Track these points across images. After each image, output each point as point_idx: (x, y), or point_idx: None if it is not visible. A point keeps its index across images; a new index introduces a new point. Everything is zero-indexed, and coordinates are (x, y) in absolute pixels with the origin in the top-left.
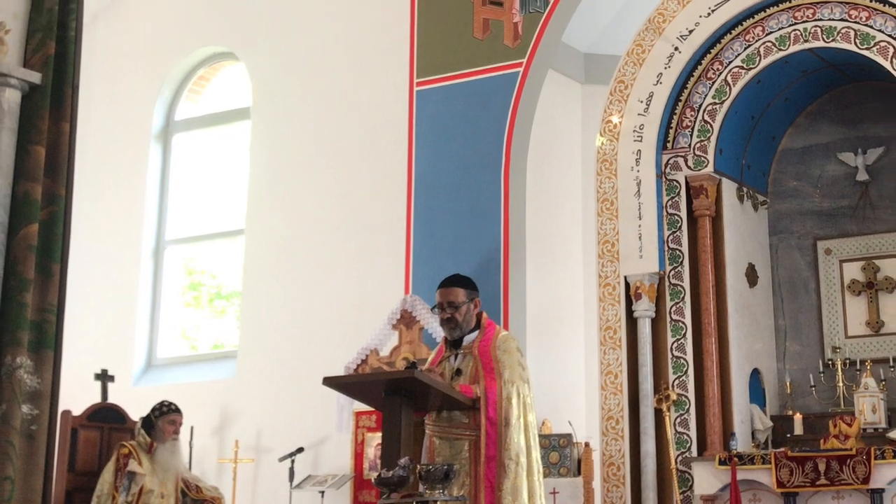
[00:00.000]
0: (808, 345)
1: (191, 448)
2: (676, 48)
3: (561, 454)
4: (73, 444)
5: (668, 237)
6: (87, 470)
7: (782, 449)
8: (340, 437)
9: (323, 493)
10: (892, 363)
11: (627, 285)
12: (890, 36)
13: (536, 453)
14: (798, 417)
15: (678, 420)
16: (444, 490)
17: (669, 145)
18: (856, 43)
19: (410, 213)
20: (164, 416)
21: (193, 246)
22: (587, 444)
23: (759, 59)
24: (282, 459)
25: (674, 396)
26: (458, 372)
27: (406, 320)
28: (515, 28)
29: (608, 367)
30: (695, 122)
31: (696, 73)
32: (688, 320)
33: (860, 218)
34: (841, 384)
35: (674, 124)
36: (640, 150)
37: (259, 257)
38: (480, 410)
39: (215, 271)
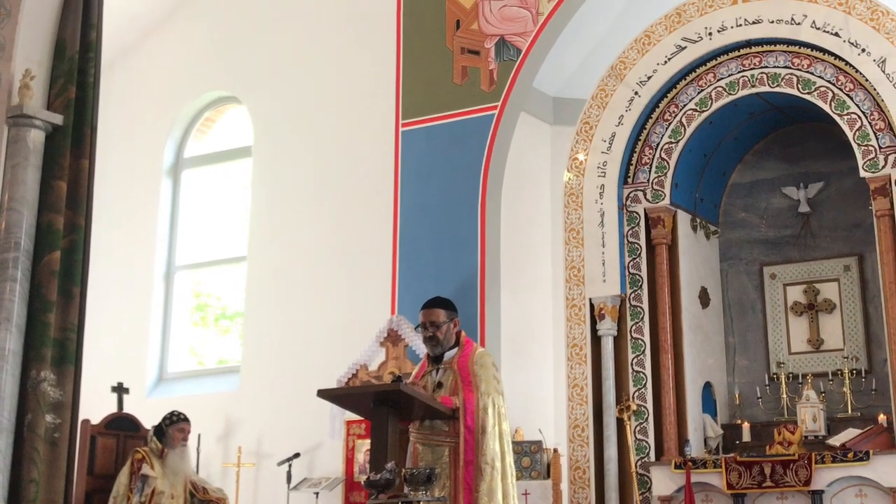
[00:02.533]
0: (755, 360)
1: (198, 453)
2: (636, 93)
3: (532, 459)
4: (92, 450)
5: (629, 263)
6: (105, 473)
7: (732, 454)
8: (333, 444)
9: (317, 494)
10: (830, 377)
11: (592, 307)
12: (829, 82)
13: (510, 458)
14: (746, 426)
15: (638, 428)
16: (427, 492)
17: (630, 180)
18: (798, 88)
19: (396, 242)
20: (174, 425)
21: (200, 271)
22: (556, 450)
23: (711, 103)
24: (280, 464)
25: (634, 407)
26: (440, 385)
27: (392, 338)
28: (491, 75)
29: (575, 380)
30: (653, 159)
31: (654, 115)
32: (646, 338)
33: (802, 246)
34: (785, 396)
35: (634, 161)
36: (603, 185)
37: (260, 281)
38: (459, 420)
39: (220, 294)
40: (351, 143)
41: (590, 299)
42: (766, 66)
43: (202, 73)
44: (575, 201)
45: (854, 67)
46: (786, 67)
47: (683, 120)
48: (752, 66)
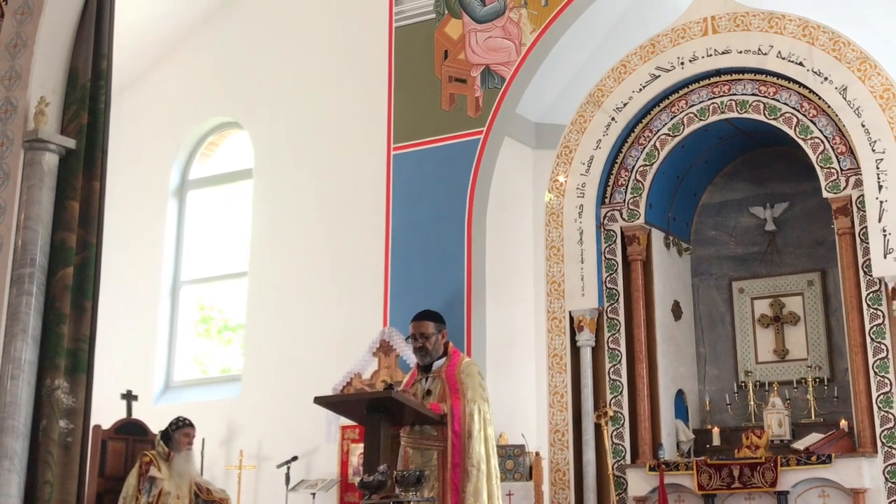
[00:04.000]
0: (724, 369)
1: (202, 457)
2: (613, 118)
3: (515, 462)
4: (103, 454)
5: (606, 278)
6: (115, 475)
7: (703, 457)
8: (329, 448)
9: (314, 494)
10: (795, 385)
11: (572, 319)
12: (794, 108)
13: (494, 461)
14: (716, 431)
15: (615, 433)
16: (417, 492)
17: (607, 200)
18: (765, 114)
19: (388, 258)
20: (180, 430)
21: (204, 286)
22: (537, 454)
23: (683, 128)
24: (279, 466)
25: (611, 413)
26: (429, 392)
27: (384, 349)
28: (477, 101)
29: (555, 388)
30: (629, 181)
31: (630, 140)
32: (622, 349)
33: (768, 262)
34: (752, 402)
35: (611, 183)
36: (582, 205)
37: (260, 295)
38: (447, 425)
39: (223, 307)
40: (346, 165)
41: (569, 312)
42: (735, 94)
43: (206, 100)
44: (556, 220)
45: (817, 95)
46: (753, 95)
47: (657, 144)
48: (721, 94)
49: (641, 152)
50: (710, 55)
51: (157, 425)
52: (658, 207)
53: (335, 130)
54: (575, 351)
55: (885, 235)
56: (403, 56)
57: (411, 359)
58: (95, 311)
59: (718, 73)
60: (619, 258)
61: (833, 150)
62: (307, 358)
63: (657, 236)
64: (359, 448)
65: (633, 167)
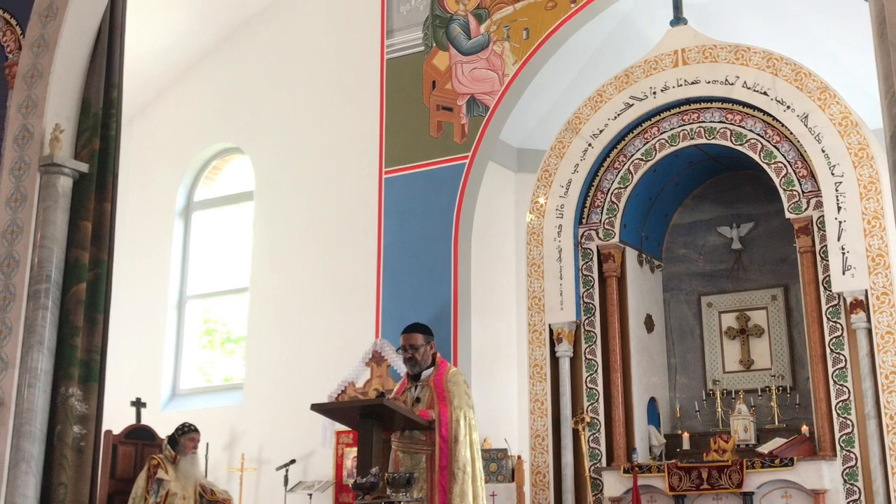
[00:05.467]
0: (693, 378)
1: (206, 460)
2: (590, 144)
3: (499, 465)
4: (114, 457)
5: (584, 293)
6: (125, 477)
7: (673, 460)
8: (325, 452)
9: (311, 495)
10: (759, 393)
11: (551, 331)
12: (758, 135)
13: (479, 464)
14: (686, 436)
15: (591, 437)
16: (407, 493)
17: (584, 221)
18: (731, 140)
19: (380, 274)
20: (186, 435)
21: (208, 300)
22: (519, 457)
23: (655, 153)
24: (278, 469)
25: (588, 419)
26: (418, 400)
27: (377, 359)
28: (462, 128)
29: (536, 395)
30: (604, 202)
31: (606, 164)
32: (599, 359)
33: (735, 278)
34: (720, 409)
35: (588, 204)
36: (561, 225)
37: (261, 309)
38: (435, 430)
39: (226, 320)
40: (340, 188)
41: (549, 325)
42: (704, 121)
43: (210, 127)
44: (536, 239)
45: (780, 122)
46: (721, 122)
47: (631, 168)
48: (691, 121)
49: (616, 176)
50: (681, 85)
51: (164, 431)
52: (632, 227)
53: (331, 155)
54: (554, 361)
55: (843, 253)
56: (394, 86)
57: (402, 368)
58: (107, 323)
59: (688, 101)
60: (595, 275)
61: (795, 173)
62: (304, 368)
63: (631, 254)
64: (353, 452)
65: (609, 190)
